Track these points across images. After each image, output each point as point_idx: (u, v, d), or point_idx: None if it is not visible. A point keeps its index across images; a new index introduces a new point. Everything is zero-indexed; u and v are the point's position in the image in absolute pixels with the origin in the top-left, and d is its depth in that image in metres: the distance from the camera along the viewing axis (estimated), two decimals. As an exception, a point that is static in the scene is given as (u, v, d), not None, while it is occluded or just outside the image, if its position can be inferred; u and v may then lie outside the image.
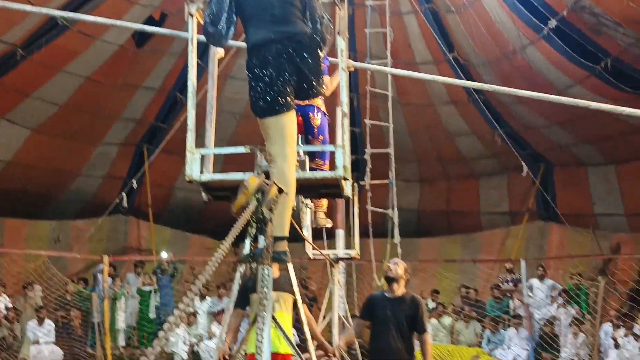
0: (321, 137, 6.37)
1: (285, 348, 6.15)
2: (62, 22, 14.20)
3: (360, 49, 15.41)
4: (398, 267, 6.70)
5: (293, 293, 6.52)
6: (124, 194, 15.39)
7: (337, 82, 5.56)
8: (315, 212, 7.07)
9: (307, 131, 6.38)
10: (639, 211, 16.94)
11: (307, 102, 6.07)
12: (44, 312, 13.86)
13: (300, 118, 6.13)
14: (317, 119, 6.35)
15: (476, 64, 15.83)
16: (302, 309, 5.52)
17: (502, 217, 19.23)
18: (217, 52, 5.12)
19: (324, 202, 7.10)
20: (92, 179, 18.52)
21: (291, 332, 6.97)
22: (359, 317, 7.27)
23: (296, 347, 5.11)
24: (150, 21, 15.08)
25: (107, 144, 17.95)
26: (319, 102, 6.37)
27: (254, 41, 4.59)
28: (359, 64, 9.34)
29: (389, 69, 11.35)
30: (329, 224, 7.34)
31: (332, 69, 6.22)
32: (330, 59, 6.31)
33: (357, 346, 9.95)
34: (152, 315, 15.58)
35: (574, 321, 13.58)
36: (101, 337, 13.83)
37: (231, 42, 5.47)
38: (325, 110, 6.45)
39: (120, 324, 15.14)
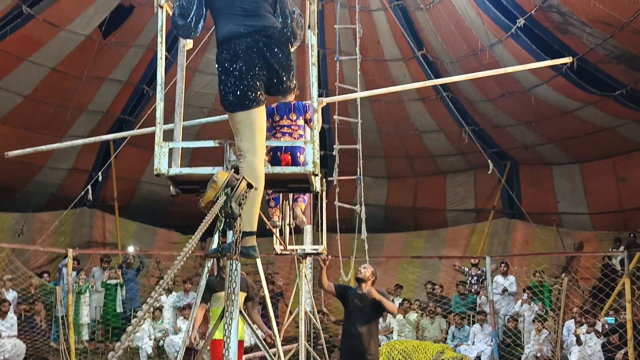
0: None
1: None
2: (27, 11, 13.97)
3: (329, 45, 15.42)
4: (367, 271, 8.35)
5: (244, 290, 7.63)
6: (89, 187, 15.20)
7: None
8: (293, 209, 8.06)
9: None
10: (602, 209, 17.20)
11: (294, 143, 6.75)
12: (7, 305, 13.63)
13: (289, 156, 6.57)
14: (303, 157, 6.61)
15: (445, 61, 15.90)
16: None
17: (468, 214, 19.39)
18: (186, 44, 5.06)
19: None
20: (57, 172, 18.28)
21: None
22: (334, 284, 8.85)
23: (262, 341, 5.14)
24: (119, 10, 14.92)
25: (72, 137, 17.70)
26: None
27: (223, 35, 4.52)
28: (328, 99, 9.55)
29: (357, 94, 11.38)
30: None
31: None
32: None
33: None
34: (118, 309, 15.43)
35: (537, 317, 13.74)
36: (65, 331, 13.67)
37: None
38: None
39: (84, 318, 14.98)
